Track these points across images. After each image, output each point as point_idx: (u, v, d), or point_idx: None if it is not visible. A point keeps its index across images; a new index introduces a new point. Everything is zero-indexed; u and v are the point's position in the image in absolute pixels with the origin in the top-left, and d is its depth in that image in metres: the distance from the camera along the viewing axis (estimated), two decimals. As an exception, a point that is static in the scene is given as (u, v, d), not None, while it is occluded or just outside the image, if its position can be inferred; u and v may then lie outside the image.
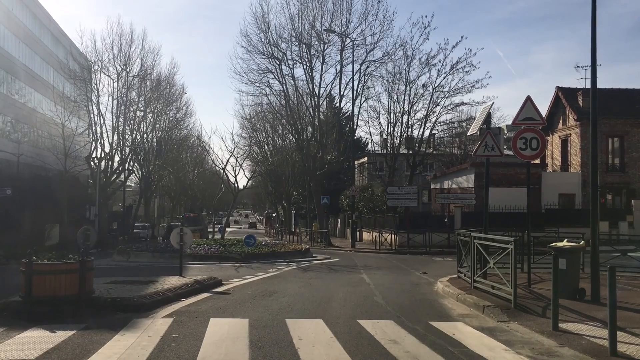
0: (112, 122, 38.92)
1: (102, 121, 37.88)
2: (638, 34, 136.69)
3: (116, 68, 38.19)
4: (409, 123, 39.43)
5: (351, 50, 35.73)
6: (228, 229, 43.56)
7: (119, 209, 52.18)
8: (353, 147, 39.86)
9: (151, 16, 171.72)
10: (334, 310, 10.26)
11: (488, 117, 13.19)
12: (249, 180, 48.79)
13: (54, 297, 9.50)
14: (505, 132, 13.82)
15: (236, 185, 34.71)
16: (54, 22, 50.84)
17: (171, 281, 13.05)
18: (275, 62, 36.89)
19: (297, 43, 36.55)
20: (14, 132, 40.92)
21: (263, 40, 36.65)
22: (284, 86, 37.64)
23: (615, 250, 14.51)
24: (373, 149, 46.41)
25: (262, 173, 50.32)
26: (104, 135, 38.13)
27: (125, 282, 12.79)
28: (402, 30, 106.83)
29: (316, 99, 37.66)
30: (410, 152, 40.36)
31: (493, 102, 15.70)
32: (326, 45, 36.73)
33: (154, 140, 46.66)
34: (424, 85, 38.12)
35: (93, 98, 37.61)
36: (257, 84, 38.23)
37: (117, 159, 40.41)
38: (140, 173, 48.97)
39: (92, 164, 38.67)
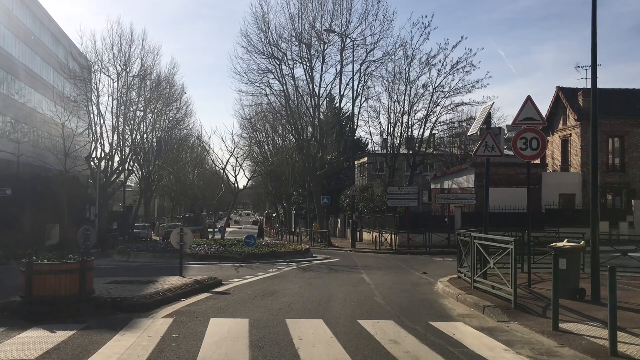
0: (112, 122, 38.91)
1: (102, 121, 37.86)
2: (639, 33, 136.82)
3: (116, 68, 38.16)
4: (409, 123, 39.51)
5: (351, 50, 35.75)
6: (228, 229, 43.56)
7: (119, 209, 52.18)
8: (353, 147, 39.88)
9: (151, 16, 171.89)
10: (334, 310, 10.25)
11: (488, 117, 13.19)
12: (249, 180, 48.92)
13: (54, 297, 9.49)
14: (506, 132, 13.83)
15: (236, 185, 34.75)
16: (54, 22, 50.86)
17: (171, 281, 13.05)
18: (275, 62, 36.92)
19: (297, 43, 36.57)
20: (14, 132, 40.95)
21: (263, 40, 36.68)
22: (284, 86, 37.67)
23: (616, 250, 14.50)
24: (373, 149, 46.41)
25: (262, 173, 50.34)
26: (104, 135, 38.12)
27: (125, 282, 12.79)
28: (402, 30, 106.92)
29: (316, 99, 37.66)
30: (410, 152, 40.35)
31: (493, 102, 15.70)
32: (326, 45, 36.78)
33: (154, 140, 46.63)
34: (424, 85, 38.20)
35: (93, 98, 37.59)
36: (257, 84, 38.26)
37: (117, 159, 40.40)
38: (140, 173, 48.95)
39: (92, 164, 38.65)
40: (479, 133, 13.17)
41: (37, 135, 45.17)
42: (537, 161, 31.82)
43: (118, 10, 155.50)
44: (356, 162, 49.14)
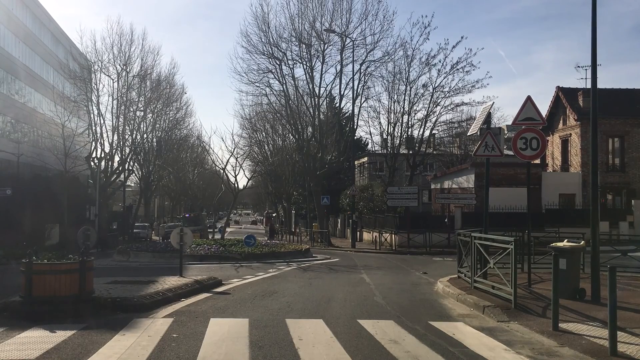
0: (112, 122, 39.01)
1: (102, 121, 37.96)
2: (639, 33, 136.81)
3: (116, 68, 38.24)
4: (409, 123, 39.54)
5: (351, 50, 35.76)
6: (228, 229, 43.57)
7: (119, 209, 52.20)
8: (353, 147, 39.88)
9: (151, 16, 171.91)
10: (334, 310, 10.25)
11: (488, 117, 13.19)
12: (249, 180, 48.93)
13: (54, 297, 9.49)
14: (506, 132, 13.86)
15: (236, 185, 34.75)
16: (54, 22, 50.86)
17: (171, 281, 13.05)
18: (276, 62, 36.93)
19: (297, 43, 36.60)
20: (14, 132, 40.95)
21: (263, 40, 36.71)
22: (284, 86, 37.70)
23: (616, 250, 14.50)
24: (373, 149, 46.42)
25: (262, 173, 50.34)
26: (104, 135, 38.22)
27: (125, 282, 12.79)
28: (402, 30, 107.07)
29: (316, 99, 37.68)
30: (411, 152, 40.37)
31: (493, 102, 15.70)
32: (326, 45, 36.80)
33: (154, 140, 46.69)
34: (424, 85, 38.22)
35: (93, 98, 37.66)
36: (257, 84, 38.29)
37: (117, 159, 40.49)
38: (140, 173, 49.01)
39: (92, 164, 38.70)
40: (479, 133, 13.16)
41: (37, 135, 45.17)
42: (537, 161, 31.79)
43: (118, 10, 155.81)
44: (356, 162, 49.13)
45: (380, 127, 41.11)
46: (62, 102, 39.08)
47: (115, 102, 38.50)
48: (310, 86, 37.24)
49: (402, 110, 38.55)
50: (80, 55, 40.64)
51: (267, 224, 69.21)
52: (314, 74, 36.84)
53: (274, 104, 40.84)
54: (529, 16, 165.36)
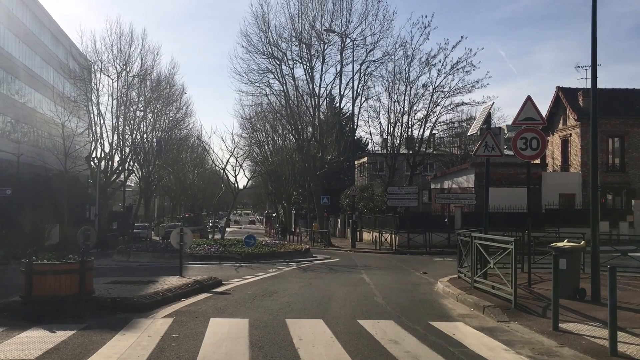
0: (112, 122, 39.00)
1: (102, 121, 37.96)
2: (639, 33, 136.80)
3: (116, 68, 38.23)
4: (409, 123, 39.54)
5: (351, 50, 35.77)
6: (228, 229, 43.57)
7: (119, 209, 52.20)
8: (353, 147, 39.87)
9: (151, 16, 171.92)
10: (334, 310, 10.25)
11: (488, 117, 13.18)
12: (249, 180, 48.94)
13: (54, 297, 9.48)
14: (506, 132, 13.86)
15: (236, 185, 34.75)
16: (54, 22, 50.87)
17: (171, 281, 13.05)
18: (276, 62, 36.94)
19: (297, 43, 36.60)
20: (14, 132, 40.93)
21: (263, 40, 36.72)
22: (284, 86, 37.70)
23: (616, 251, 14.48)
24: (373, 149, 46.42)
25: (262, 173, 50.35)
26: (104, 135, 38.21)
27: (125, 282, 12.78)
28: (402, 30, 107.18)
29: (316, 99, 37.69)
30: (411, 152, 40.36)
31: (493, 102, 15.71)
32: (326, 45, 36.80)
33: (154, 140, 46.67)
34: (424, 85, 38.22)
35: (93, 98, 37.65)
36: (257, 84, 38.30)
37: (117, 159, 40.48)
38: (140, 173, 48.99)
39: (92, 164, 38.70)
40: (479, 133, 13.17)
41: (37, 135, 45.16)
42: (537, 161, 31.80)
43: (118, 10, 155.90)
44: (356, 162, 49.13)
45: (380, 127, 41.18)
46: (62, 102, 39.05)
47: (115, 102, 38.54)
48: (310, 86, 37.28)
49: (402, 110, 38.61)
50: (80, 55, 40.63)
51: (267, 224, 69.14)
52: (314, 74, 36.89)
53: (274, 104, 40.88)
54: (529, 16, 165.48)
